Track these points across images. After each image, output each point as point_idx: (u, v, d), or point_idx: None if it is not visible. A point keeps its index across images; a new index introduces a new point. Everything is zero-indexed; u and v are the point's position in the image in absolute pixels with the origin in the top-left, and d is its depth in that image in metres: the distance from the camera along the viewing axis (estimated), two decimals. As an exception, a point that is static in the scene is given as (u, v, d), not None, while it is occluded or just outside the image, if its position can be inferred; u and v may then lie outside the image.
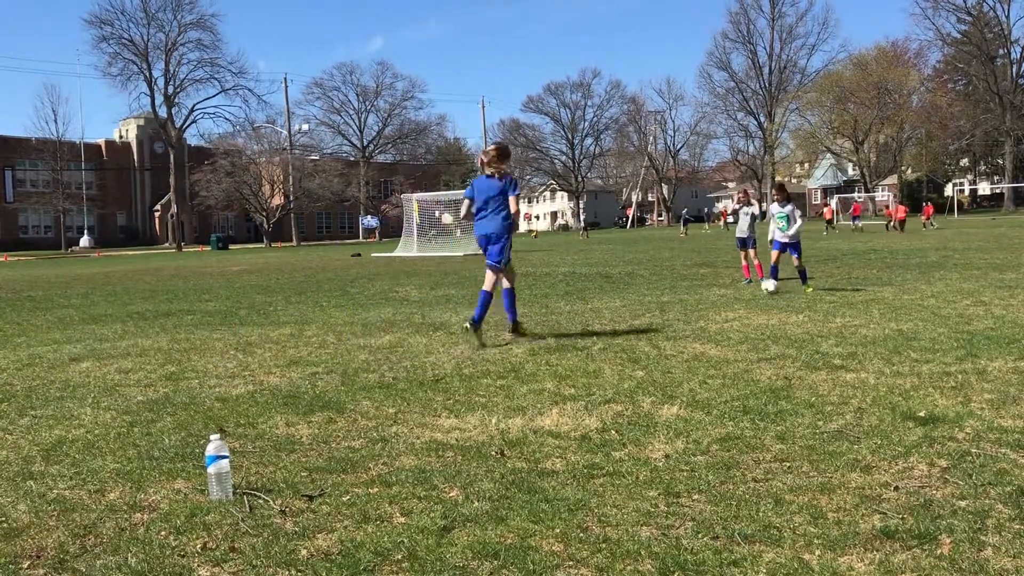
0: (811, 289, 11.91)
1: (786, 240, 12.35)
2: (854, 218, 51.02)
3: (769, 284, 11.83)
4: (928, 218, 44.83)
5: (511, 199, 8.07)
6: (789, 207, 12.40)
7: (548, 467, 4.11)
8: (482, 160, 8.33)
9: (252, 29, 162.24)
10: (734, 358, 6.82)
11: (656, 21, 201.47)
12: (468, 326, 7.90)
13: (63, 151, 73.92)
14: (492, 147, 8.34)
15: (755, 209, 14.83)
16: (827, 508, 3.43)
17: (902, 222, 41.05)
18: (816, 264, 17.89)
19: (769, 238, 12.81)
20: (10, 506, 3.80)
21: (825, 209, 49.67)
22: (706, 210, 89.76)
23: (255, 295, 15.32)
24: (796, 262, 12.35)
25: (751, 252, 14.10)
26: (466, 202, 8.37)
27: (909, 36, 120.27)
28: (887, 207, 54.03)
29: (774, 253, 12.50)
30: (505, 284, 8.18)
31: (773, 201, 12.88)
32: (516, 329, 8.23)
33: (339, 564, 3.06)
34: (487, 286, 8.13)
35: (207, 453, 3.80)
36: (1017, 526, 3.18)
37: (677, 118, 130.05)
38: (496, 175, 8.11)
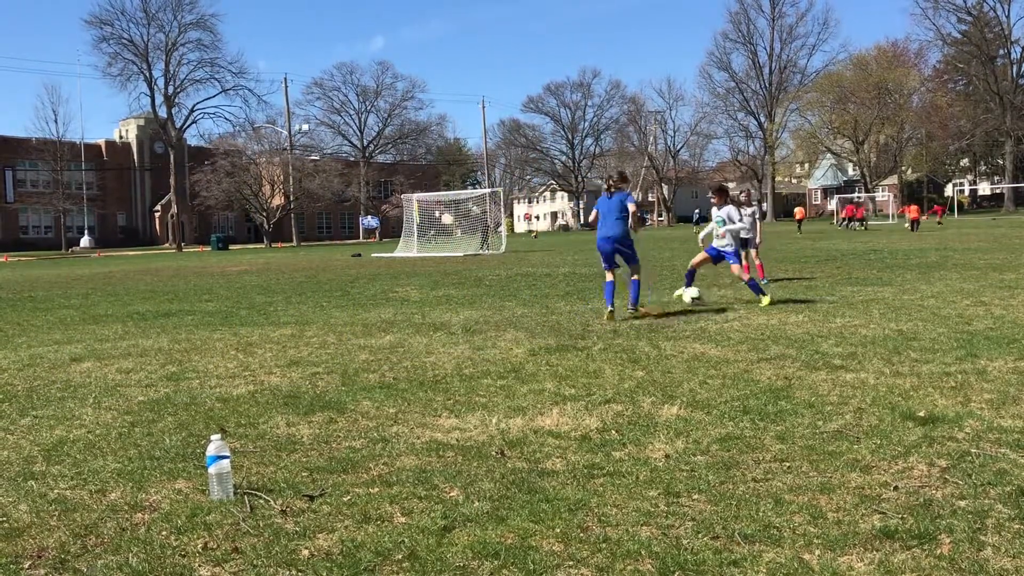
0: (767, 301, 10.42)
1: (722, 247, 10.90)
2: (849, 219, 51.33)
3: (692, 291, 10.63)
4: (912, 217, 45.23)
5: (629, 205, 9.89)
6: (726, 210, 10.85)
7: (548, 467, 4.12)
8: (608, 184, 10.18)
9: (252, 29, 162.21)
10: (734, 358, 6.82)
11: (656, 21, 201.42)
12: (607, 315, 9.70)
13: (63, 151, 73.80)
14: (616, 173, 10.49)
15: (755, 209, 14.86)
16: (827, 508, 3.43)
17: (915, 221, 41.26)
18: (817, 264, 17.90)
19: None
20: (11, 506, 3.81)
21: (797, 210, 50.05)
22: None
23: (255, 295, 15.32)
24: (735, 271, 10.93)
25: (752, 252, 14.11)
26: (594, 212, 10.28)
27: (909, 36, 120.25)
28: (853, 206, 54.77)
29: (703, 255, 11.11)
30: (633, 276, 9.97)
31: (712, 205, 11.25)
32: (636, 310, 9.90)
33: (340, 564, 3.07)
34: (609, 277, 10.06)
35: (208, 453, 3.81)
36: (1017, 526, 3.19)
37: (677, 118, 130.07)
38: (612, 194, 10.00)
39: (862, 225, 49.71)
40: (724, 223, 10.86)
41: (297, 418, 5.29)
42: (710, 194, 11.55)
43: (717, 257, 11.03)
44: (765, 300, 10.48)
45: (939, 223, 44.64)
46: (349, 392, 6.03)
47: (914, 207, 43.30)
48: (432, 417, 5.21)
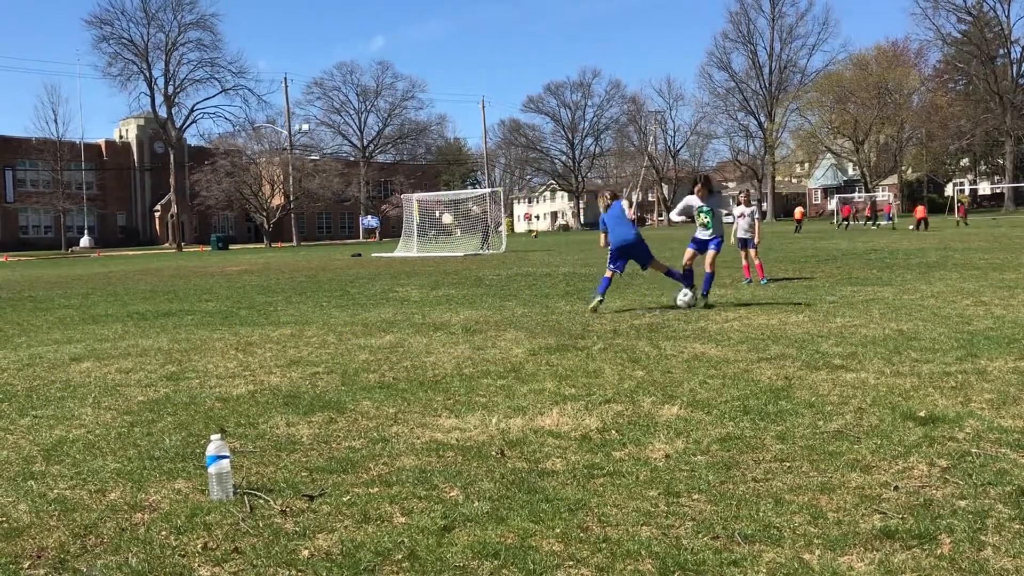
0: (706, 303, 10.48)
1: (707, 238, 10.96)
2: (844, 219, 51.47)
3: (686, 295, 10.33)
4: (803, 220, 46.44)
5: (626, 210, 10.74)
6: (712, 204, 10.98)
7: (548, 467, 4.11)
8: (604, 200, 10.97)
9: (252, 29, 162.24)
10: (734, 358, 6.82)
11: (656, 21, 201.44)
12: (595, 306, 10.29)
13: (63, 151, 73.77)
14: (608, 192, 11.18)
15: (754, 209, 14.88)
16: (827, 508, 3.43)
17: (922, 220, 41.30)
18: (817, 264, 17.90)
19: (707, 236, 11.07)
20: (11, 506, 3.80)
21: (797, 210, 50.27)
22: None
23: (255, 295, 15.32)
24: (710, 259, 10.79)
25: (751, 252, 14.14)
26: (602, 236, 10.97)
27: (909, 36, 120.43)
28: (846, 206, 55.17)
29: (690, 251, 11.08)
30: (663, 269, 10.78)
31: (691, 193, 11.19)
32: (699, 297, 10.61)
33: (340, 564, 3.06)
34: (608, 275, 10.66)
35: (208, 453, 3.81)
36: (1017, 526, 3.19)
37: (677, 118, 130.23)
38: (609, 204, 10.84)
39: (874, 224, 49.76)
40: (711, 213, 10.90)
41: (297, 418, 5.29)
42: (698, 186, 11.08)
43: (703, 247, 11.01)
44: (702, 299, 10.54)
45: (965, 223, 44.69)
46: (349, 392, 6.03)
47: (920, 207, 43.38)
48: (432, 417, 5.21)
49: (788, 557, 2.98)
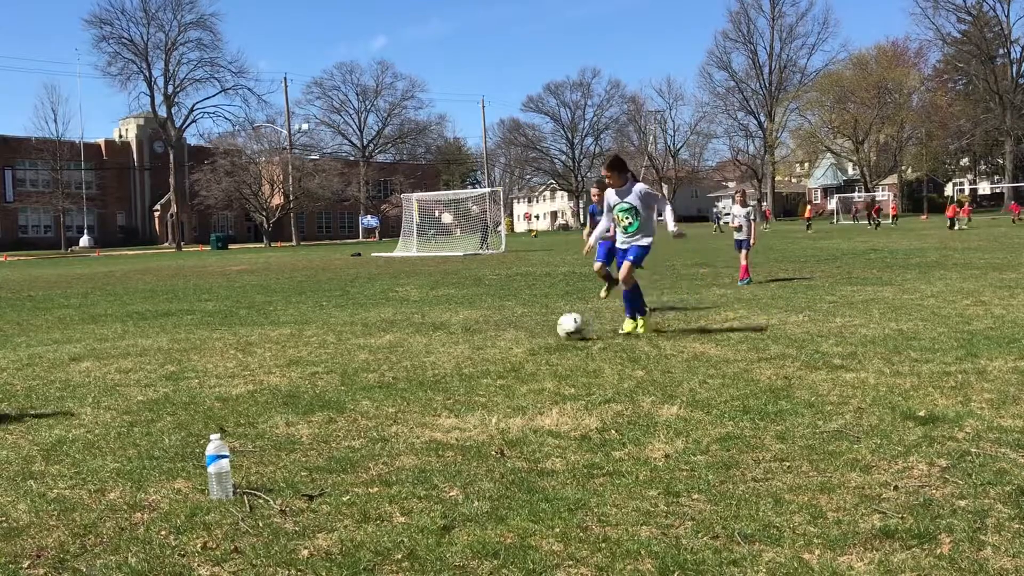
0: (640, 326, 8.16)
1: (626, 246, 8.17)
2: (875, 218, 51.15)
3: (569, 324, 7.90)
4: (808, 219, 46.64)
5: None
6: (638, 189, 8.04)
7: (548, 467, 4.11)
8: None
9: (252, 29, 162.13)
10: (734, 358, 6.82)
11: (656, 20, 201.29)
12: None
13: (63, 151, 73.74)
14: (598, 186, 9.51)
15: (751, 210, 14.87)
16: (827, 508, 3.43)
17: (953, 219, 41.25)
18: (817, 264, 17.90)
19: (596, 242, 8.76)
20: (10, 506, 3.80)
21: (807, 208, 50.20)
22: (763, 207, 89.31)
23: (255, 295, 15.31)
24: (623, 272, 8.07)
25: (743, 252, 14.16)
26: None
27: (909, 36, 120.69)
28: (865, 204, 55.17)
29: (626, 265, 8.13)
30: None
31: (608, 187, 8.30)
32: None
33: (339, 564, 3.06)
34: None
35: (207, 453, 3.81)
36: (1017, 526, 3.19)
37: (677, 118, 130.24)
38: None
39: (892, 222, 49.65)
40: (633, 212, 8.02)
41: (296, 418, 5.29)
42: (607, 174, 8.17)
43: (610, 255, 8.85)
44: (628, 325, 8.27)
45: (1021, 219, 44.49)
46: (348, 392, 6.02)
47: (953, 206, 43.29)
48: (432, 417, 5.21)
49: (788, 557, 2.98)
